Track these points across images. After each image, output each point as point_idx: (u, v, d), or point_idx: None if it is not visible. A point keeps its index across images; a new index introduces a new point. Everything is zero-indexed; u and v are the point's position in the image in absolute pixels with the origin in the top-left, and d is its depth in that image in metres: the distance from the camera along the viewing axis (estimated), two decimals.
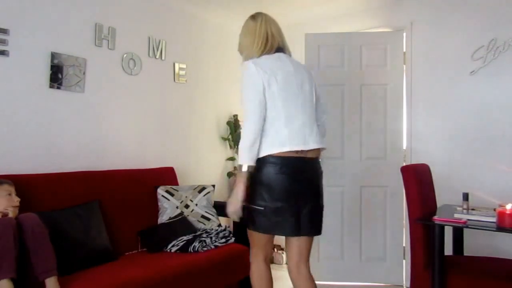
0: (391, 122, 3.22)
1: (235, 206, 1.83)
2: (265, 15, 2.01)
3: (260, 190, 1.81)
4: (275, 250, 3.67)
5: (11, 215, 1.97)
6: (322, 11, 3.56)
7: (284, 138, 1.81)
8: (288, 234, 1.85)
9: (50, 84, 2.59)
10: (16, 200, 2.04)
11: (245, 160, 1.78)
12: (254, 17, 2.01)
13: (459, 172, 2.92)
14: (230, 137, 3.87)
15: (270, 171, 1.80)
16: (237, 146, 2.05)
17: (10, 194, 2.03)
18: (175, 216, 2.78)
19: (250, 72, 1.83)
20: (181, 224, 2.72)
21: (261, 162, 1.81)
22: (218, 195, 3.62)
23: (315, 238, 3.03)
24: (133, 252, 2.58)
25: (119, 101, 3.03)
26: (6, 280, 1.72)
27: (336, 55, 3.29)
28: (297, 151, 1.82)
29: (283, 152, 1.80)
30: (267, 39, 1.93)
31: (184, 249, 2.49)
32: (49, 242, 1.90)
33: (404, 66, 3.20)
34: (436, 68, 3.05)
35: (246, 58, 1.97)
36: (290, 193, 1.80)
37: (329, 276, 3.25)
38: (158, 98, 3.33)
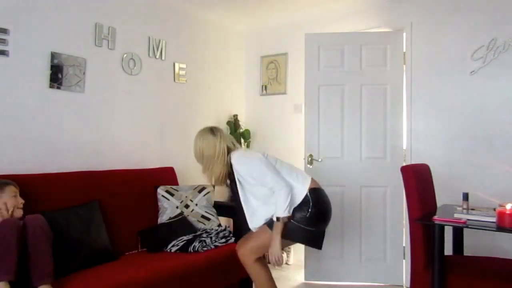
0: (391, 122, 3.22)
1: (277, 254, 2.14)
2: (221, 130, 2.40)
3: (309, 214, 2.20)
4: None
5: (13, 216, 1.98)
6: (322, 11, 3.56)
7: (302, 177, 2.30)
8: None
9: (50, 84, 2.60)
10: (20, 202, 2.05)
11: (286, 212, 2.13)
12: (213, 132, 2.36)
13: (459, 172, 2.92)
14: None
15: (315, 201, 2.22)
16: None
17: (15, 196, 2.03)
18: (175, 216, 2.78)
19: (246, 154, 2.36)
20: (181, 224, 2.71)
21: (305, 197, 2.22)
22: (218, 195, 3.61)
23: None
24: (133, 252, 2.58)
25: (119, 101, 3.03)
26: (4, 283, 1.70)
27: (336, 55, 3.29)
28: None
29: (310, 184, 2.26)
30: (224, 154, 2.30)
31: (184, 249, 2.49)
32: (49, 248, 1.89)
33: (404, 66, 3.20)
34: (436, 68, 3.05)
35: (207, 166, 2.34)
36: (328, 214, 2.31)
37: (329, 276, 3.25)
38: (158, 98, 3.33)
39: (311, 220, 2.18)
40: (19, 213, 2.02)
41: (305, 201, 2.19)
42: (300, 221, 2.17)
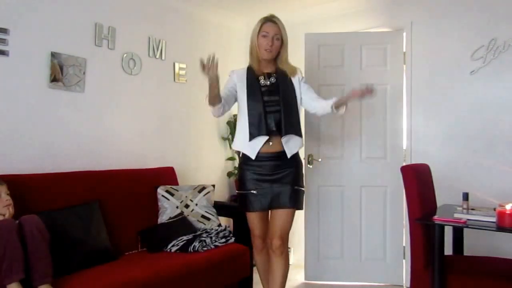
0: (391, 122, 3.22)
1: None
2: None
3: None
4: None
5: (7, 215, 1.96)
6: (322, 11, 3.56)
7: None
8: None
9: (49, 83, 2.60)
10: (5, 200, 1.98)
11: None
12: None
13: (459, 172, 2.91)
14: (230, 137, 3.87)
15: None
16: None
17: None
18: (175, 216, 2.78)
19: None
20: (181, 224, 2.72)
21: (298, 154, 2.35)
22: (218, 195, 3.61)
23: (316, 237, 3.02)
24: (133, 252, 2.58)
25: (119, 101, 3.03)
26: (16, 284, 1.73)
27: (336, 55, 3.29)
28: None
29: None
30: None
31: (184, 249, 2.49)
32: (47, 248, 1.89)
33: (404, 66, 3.20)
34: (436, 68, 3.05)
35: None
36: None
37: (329, 276, 3.25)
38: (158, 98, 3.33)
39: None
40: (10, 211, 1.98)
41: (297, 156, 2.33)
42: (302, 184, 2.31)
